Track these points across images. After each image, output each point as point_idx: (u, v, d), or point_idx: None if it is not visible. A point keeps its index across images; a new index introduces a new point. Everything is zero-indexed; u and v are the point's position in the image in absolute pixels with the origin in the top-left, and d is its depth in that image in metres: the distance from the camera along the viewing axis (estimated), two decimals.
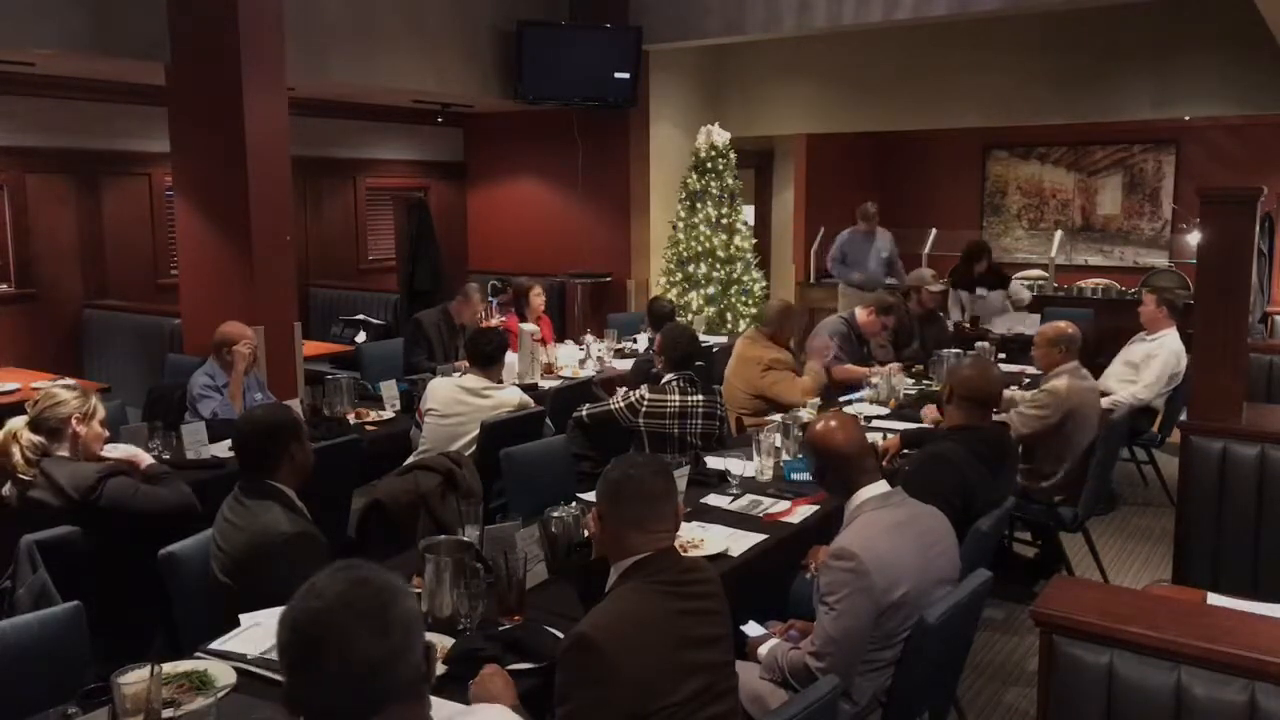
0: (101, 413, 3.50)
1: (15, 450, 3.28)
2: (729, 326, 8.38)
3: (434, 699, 1.53)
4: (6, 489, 3.29)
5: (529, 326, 6.06)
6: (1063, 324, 4.80)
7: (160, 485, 3.40)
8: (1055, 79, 8.72)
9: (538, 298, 6.71)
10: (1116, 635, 2.20)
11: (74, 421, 3.38)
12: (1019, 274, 9.95)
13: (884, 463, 4.00)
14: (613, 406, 4.32)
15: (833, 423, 2.82)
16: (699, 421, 4.24)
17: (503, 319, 6.84)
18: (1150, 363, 5.72)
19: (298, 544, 2.65)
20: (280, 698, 1.40)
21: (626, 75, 8.30)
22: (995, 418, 4.03)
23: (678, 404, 4.22)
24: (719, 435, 4.38)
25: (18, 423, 3.35)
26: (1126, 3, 7.59)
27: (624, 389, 4.51)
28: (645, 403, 4.22)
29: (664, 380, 4.30)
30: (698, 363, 4.62)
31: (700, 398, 4.26)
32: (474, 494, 3.80)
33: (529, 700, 2.11)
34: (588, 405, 4.55)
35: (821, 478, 2.86)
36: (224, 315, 5.62)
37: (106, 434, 3.55)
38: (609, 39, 8.27)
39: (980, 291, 7.77)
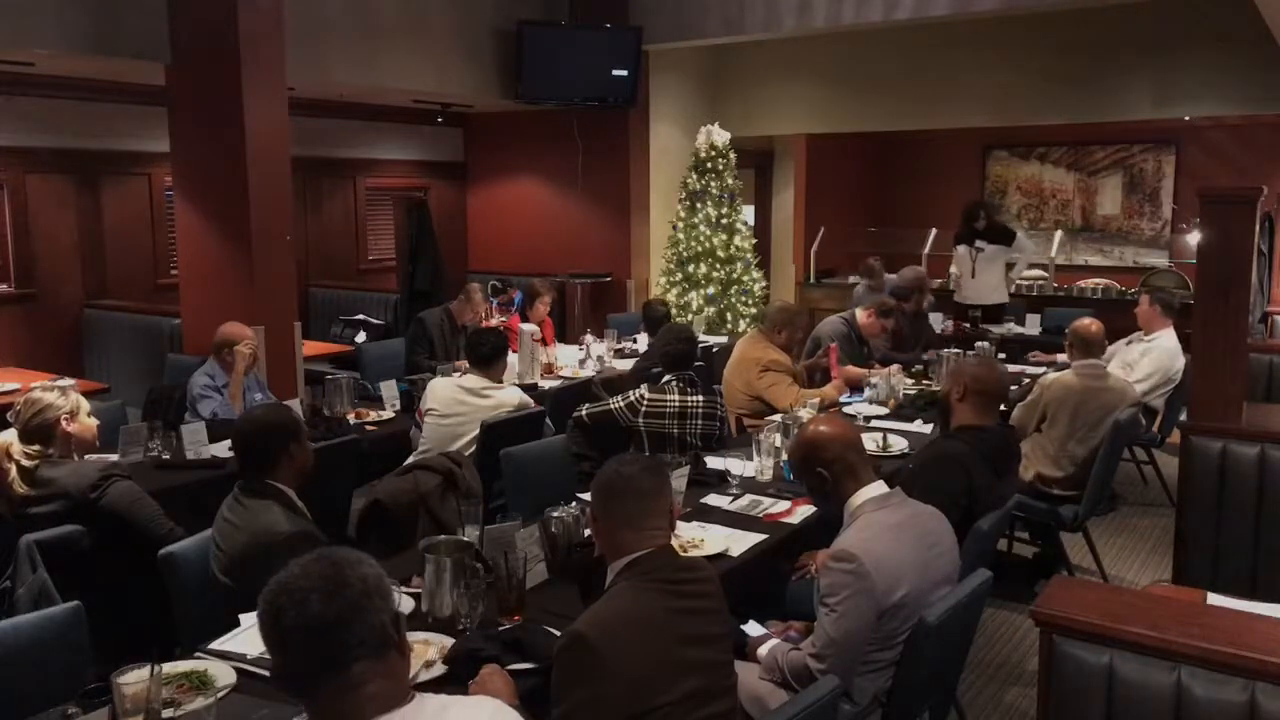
0: (85, 404, 3.47)
1: (11, 468, 3.24)
2: (729, 326, 8.38)
3: (431, 694, 1.55)
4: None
5: (529, 326, 6.06)
6: (1085, 320, 4.87)
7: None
8: (1055, 79, 8.72)
9: (542, 306, 6.73)
10: (1116, 635, 2.19)
11: (62, 422, 3.36)
12: (1020, 273, 9.95)
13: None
14: (612, 406, 4.30)
15: (822, 426, 2.79)
16: (699, 422, 4.22)
17: (503, 319, 6.85)
18: (1143, 360, 5.77)
19: (297, 544, 2.64)
20: (270, 673, 1.54)
21: (624, 72, 8.29)
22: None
23: (677, 404, 4.20)
24: (719, 436, 4.37)
25: (7, 437, 3.31)
26: (1126, 3, 7.59)
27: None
28: (645, 402, 4.20)
29: (664, 380, 4.30)
30: (697, 363, 4.62)
31: (700, 398, 4.25)
32: (474, 494, 3.79)
33: (529, 700, 2.11)
34: (587, 404, 4.53)
35: (816, 483, 2.74)
36: (224, 315, 5.61)
37: (97, 423, 3.53)
38: (609, 39, 8.27)
39: (980, 244, 7.98)
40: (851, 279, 9.44)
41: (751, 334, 5.46)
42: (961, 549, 2.82)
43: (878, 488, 2.70)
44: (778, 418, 4.41)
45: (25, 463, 3.26)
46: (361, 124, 9.14)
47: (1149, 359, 5.76)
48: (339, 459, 4.02)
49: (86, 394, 3.63)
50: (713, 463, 3.90)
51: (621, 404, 4.26)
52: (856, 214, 11.79)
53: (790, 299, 9.35)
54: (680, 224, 8.61)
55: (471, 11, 7.95)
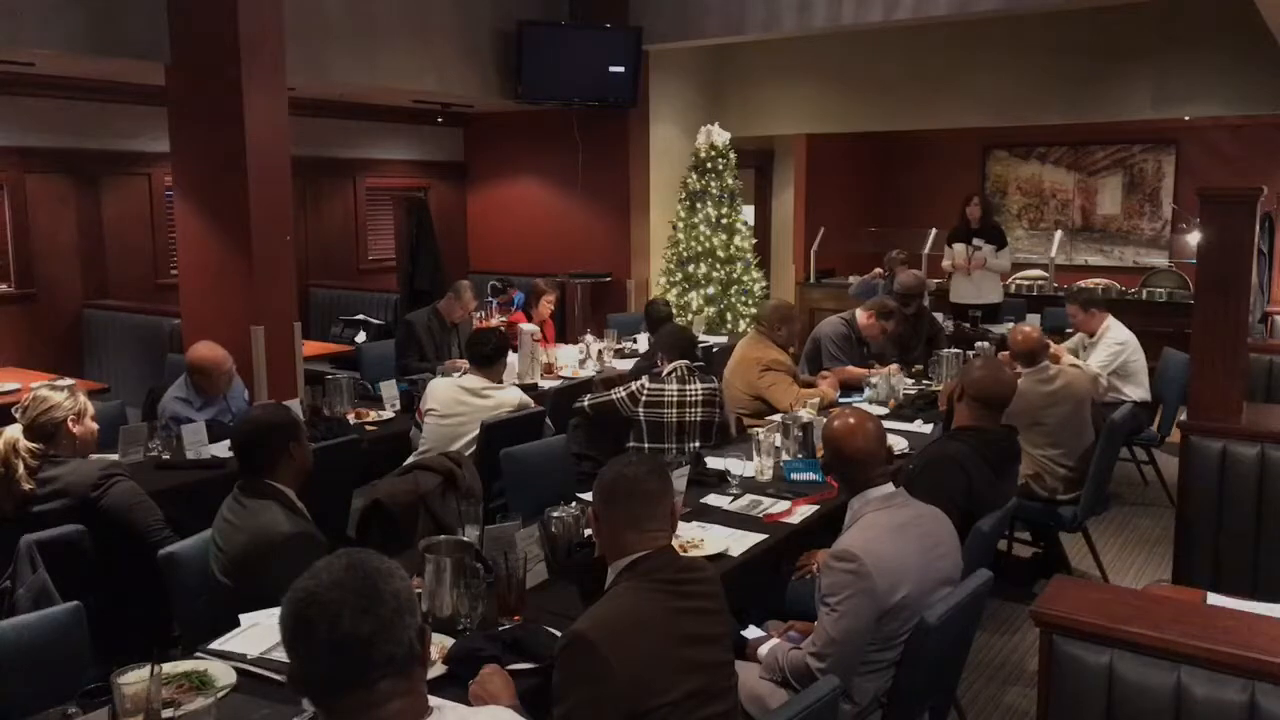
0: (91, 408, 3.49)
1: (18, 464, 3.24)
2: (729, 326, 8.38)
3: (440, 700, 1.54)
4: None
5: (529, 326, 6.06)
6: (1025, 329, 4.84)
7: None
8: (1055, 79, 8.72)
9: (547, 305, 6.75)
10: (1116, 635, 2.20)
11: (69, 423, 3.37)
12: (1020, 273, 9.97)
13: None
14: (614, 396, 4.44)
15: (850, 420, 2.82)
16: (698, 409, 4.36)
17: (503, 319, 6.85)
18: (1094, 353, 5.86)
19: (297, 544, 2.65)
20: (285, 674, 1.48)
21: (622, 69, 8.28)
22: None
23: (676, 393, 4.35)
24: (719, 423, 4.48)
25: (13, 432, 3.31)
26: (1126, 3, 7.59)
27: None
28: (645, 391, 4.35)
29: (666, 372, 4.44)
30: (697, 363, 4.70)
31: (699, 385, 4.40)
32: (474, 494, 3.80)
33: (529, 700, 2.11)
34: (589, 395, 4.67)
35: (830, 470, 2.92)
36: (224, 315, 5.62)
37: (97, 427, 3.53)
38: (609, 39, 8.26)
39: (977, 243, 7.99)
40: (852, 278, 9.44)
41: (751, 335, 5.47)
42: (962, 550, 2.82)
43: (884, 489, 2.72)
44: (778, 417, 4.43)
45: (29, 460, 3.27)
46: (361, 124, 9.14)
47: (1099, 348, 5.86)
48: (339, 459, 4.02)
49: (86, 394, 3.63)
50: (713, 463, 3.91)
51: (623, 394, 4.42)
52: (856, 214, 11.78)
53: (790, 299, 9.34)
54: (680, 224, 8.61)
55: (471, 11, 7.95)
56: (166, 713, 2.07)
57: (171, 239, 7.15)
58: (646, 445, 4.35)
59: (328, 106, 8.51)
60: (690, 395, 4.36)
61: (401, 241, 8.70)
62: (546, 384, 5.62)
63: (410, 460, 4.19)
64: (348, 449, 4.16)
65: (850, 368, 5.72)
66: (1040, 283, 9.52)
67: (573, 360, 6.20)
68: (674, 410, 4.33)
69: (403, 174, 9.75)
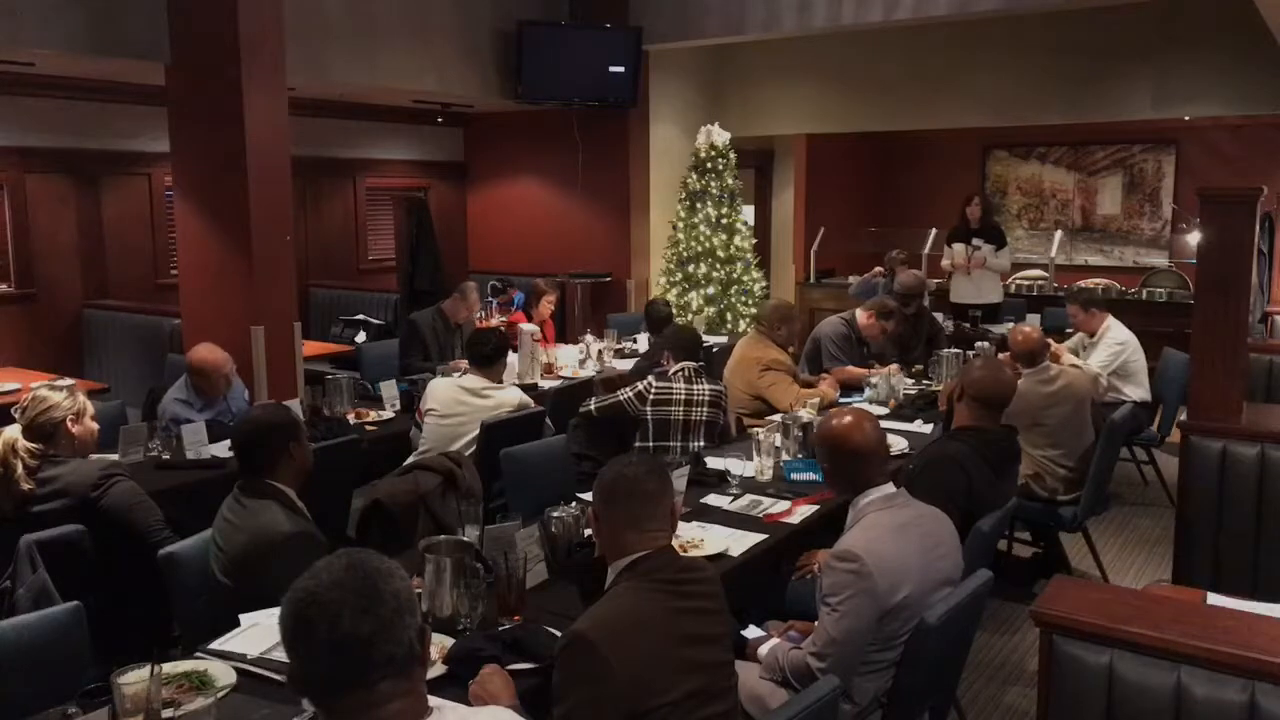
0: (91, 408, 3.49)
1: (17, 464, 3.24)
2: (729, 326, 8.38)
3: (440, 700, 1.54)
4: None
5: (529, 326, 6.06)
6: (1026, 329, 4.84)
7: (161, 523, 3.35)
8: (1055, 79, 8.72)
9: (547, 305, 6.77)
10: (1116, 635, 2.20)
11: (68, 422, 3.37)
12: (1020, 273, 9.97)
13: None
14: (621, 397, 4.46)
15: (847, 418, 2.81)
16: (703, 409, 4.39)
17: (503, 319, 6.84)
18: (1094, 353, 5.86)
19: (297, 544, 2.65)
20: (285, 674, 1.49)
21: (622, 69, 8.28)
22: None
23: (683, 392, 4.38)
24: (722, 425, 4.51)
25: (12, 432, 3.31)
26: (1126, 3, 7.59)
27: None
28: (653, 390, 4.39)
29: (672, 371, 4.47)
30: (699, 364, 4.72)
31: (706, 386, 4.44)
32: (474, 494, 3.80)
33: (529, 700, 2.12)
34: (593, 399, 4.68)
35: (830, 475, 2.85)
36: (224, 315, 5.62)
37: (97, 427, 3.54)
38: (609, 39, 8.26)
39: (976, 242, 8.02)
40: (852, 278, 9.44)
41: (751, 334, 5.47)
42: (962, 550, 2.82)
43: (885, 489, 2.71)
44: (778, 417, 4.43)
45: (28, 460, 3.27)
46: (361, 124, 9.14)
47: (1100, 348, 5.86)
48: (339, 459, 4.02)
49: (86, 394, 3.63)
50: (713, 463, 3.91)
51: (630, 394, 4.44)
52: (856, 214, 11.79)
53: (790, 299, 9.34)
54: (680, 224, 8.61)
55: (471, 11, 7.95)
56: (166, 713, 2.07)
57: (171, 239, 7.15)
58: (652, 444, 4.37)
59: (328, 106, 8.51)
60: (696, 395, 4.39)
61: (401, 241, 8.70)
62: (546, 384, 5.62)
63: (410, 460, 4.19)
64: (348, 449, 4.15)
65: (850, 368, 5.72)
66: (1040, 283, 9.51)
67: (573, 360, 6.20)
68: (680, 409, 4.37)
69: (403, 174, 9.75)
